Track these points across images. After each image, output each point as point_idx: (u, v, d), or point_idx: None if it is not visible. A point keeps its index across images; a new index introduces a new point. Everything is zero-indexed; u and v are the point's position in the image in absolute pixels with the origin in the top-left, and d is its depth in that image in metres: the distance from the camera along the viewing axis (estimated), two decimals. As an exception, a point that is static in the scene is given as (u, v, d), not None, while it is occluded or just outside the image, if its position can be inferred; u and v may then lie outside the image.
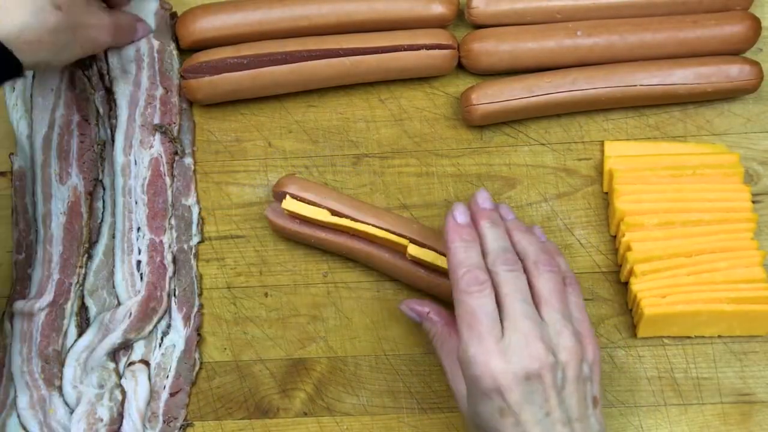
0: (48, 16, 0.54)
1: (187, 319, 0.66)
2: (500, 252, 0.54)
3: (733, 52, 0.67)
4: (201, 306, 0.67)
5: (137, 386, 0.64)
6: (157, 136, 0.67)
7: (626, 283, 0.65)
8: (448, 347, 0.57)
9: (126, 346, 0.65)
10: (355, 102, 0.70)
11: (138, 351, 0.66)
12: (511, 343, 0.50)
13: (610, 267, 0.66)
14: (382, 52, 0.66)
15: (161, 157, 0.67)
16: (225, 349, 0.66)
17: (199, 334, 0.66)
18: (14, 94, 0.69)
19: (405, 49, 0.66)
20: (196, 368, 0.66)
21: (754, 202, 0.65)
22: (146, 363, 0.65)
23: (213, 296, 0.67)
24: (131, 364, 0.65)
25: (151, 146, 0.67)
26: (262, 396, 0.65)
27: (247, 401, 0.66)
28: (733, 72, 0.66)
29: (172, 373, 0.65)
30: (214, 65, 0.66)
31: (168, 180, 0.67)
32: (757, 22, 0.67)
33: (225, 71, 0.66)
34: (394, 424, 0.64)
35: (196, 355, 0.66)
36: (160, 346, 0.66)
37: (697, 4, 0.67)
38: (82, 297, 0.67)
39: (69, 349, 0.65)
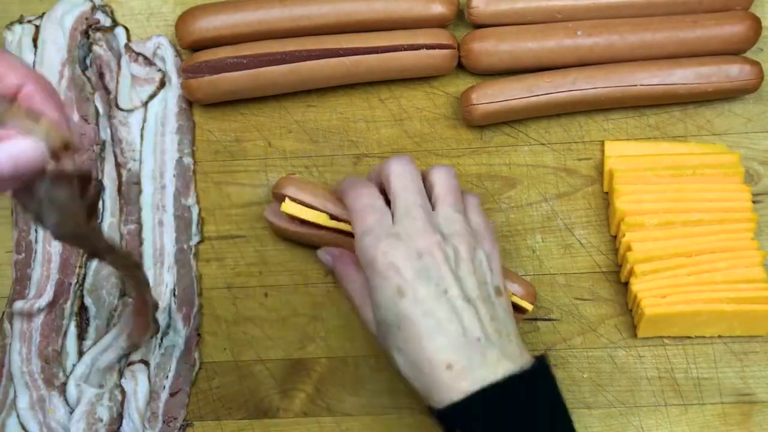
0: None
1: (187, 319, 0.66)
2: (391, 158, 0.57)
3: (734, 51, 0.67)
4: (201, 306, 0.67)
5: (137, 386, 0.64)
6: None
7: (626, 283, 0.64)
8: (354, 280, 0.58)
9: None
10: (355, 102, 0.70)
11: (138, 351, 0.65)
12: (401, 228, 0.53)
13: (610, 267, 0.66)
14: (381, 51, 0.66)
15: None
16: (225, 349, 0.66)
17: (198, 334, 0.66)
18: (14, 94, 0.69)
19: (405, 49, 0.66)
20: (196, 368, 0.66)
21: (754, 202, 0.65)
22: (146, 363, 0.65)
23: (213, 296, 0.67)
24: (131, 364, 0.65)
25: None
26: (262, 396, 0.65)
27: (247, 401, 0.65)
28: (733, 72, 0.66)
29: (171, 373, 0.65)
30: (214, 65, 0.66)
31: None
32: (757, 22, 0.67)
33: (225, 71, 0.66)
34: (394, 424, 0.64)
35: (196, 355, 0.66)
36: (159, 346, 0.66)
37: (698, 4, 0.67)
38: (82, 297, 0.67)
39: (90, 347, 0.65)
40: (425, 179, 0.57)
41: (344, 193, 0.57)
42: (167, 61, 0.69)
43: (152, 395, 0.64)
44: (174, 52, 0.70)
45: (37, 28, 0.70)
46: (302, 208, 0.62)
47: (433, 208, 0.55)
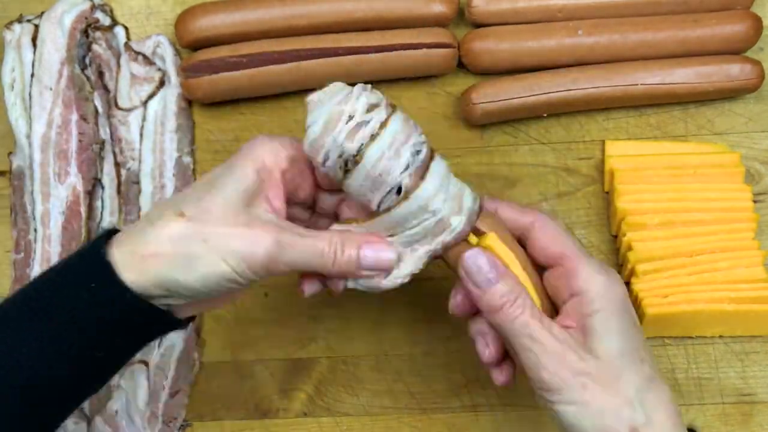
0: (172, 225, 0.46)
1: None
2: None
3: (734, 51, 0.67)
4: None
5: (136, 387, 0.64)
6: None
7: (627, 283, 0.64)
8: None
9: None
10: (355, 101, 0.70)
11: None
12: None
13: (611, 267, 0.66)
14: (382, 51, 0.66)
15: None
16: (225, 349, 0.66)
17: (198, 335, 0.66)
18: (13, 92, 0.69)
19: (405, 48, 0.66)
20: (196, 368, 0.65)
21: (755, 201, 0.65)
22: (145, 363, 0.65)
23: (212, 296, 0.67)
24: (130, 364, 0.65)
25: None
26: (262, 396, 0.65)
27: (247, 401, 0.65)
28: (734, 71, 0.66)
29: (171, 374, 0.65)
30: (213, 64, 0.66)
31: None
32: (758, 21, 0.67)
33: (224, 70, 0.66)
34: (394, 424, 0.64)
35: (196, 356, 0.65)
36: (159, 346, 0.65)
37: (698, 4, 0.67)
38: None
39: None
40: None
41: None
42: (167, 60, 0.69)
43: (152, 395, 0.64)
44: (173, 51, 0.70)
45: (37, 27, 0.70)
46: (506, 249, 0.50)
47: None
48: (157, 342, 0.65)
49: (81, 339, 0.45)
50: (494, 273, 0.47)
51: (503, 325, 0.46)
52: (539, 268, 0.50)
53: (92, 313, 0.45)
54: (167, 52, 0.70)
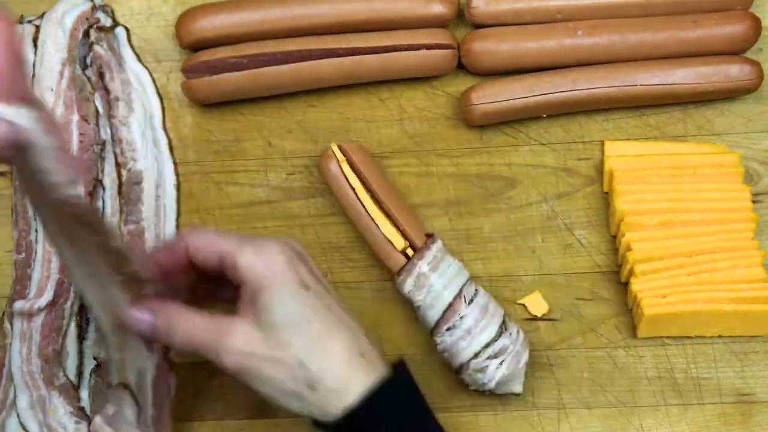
0: None
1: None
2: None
3: (734, 51, 0.67)
4: None
5: (123, 407, 0.63)
6: None
7: (626, 283, 0.64)
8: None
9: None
10: (355, 102, 0.70)
11: (112, 372, 0.63)
12: None
13: (610, 267, 0.66)
14: (382, 51, 0.66)
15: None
16: (225, 349, 0.66)
17: (167, 361, 0.63)
18: (14, 93, 0.69)
19: (405, 49, 0.66)
20: (173, 389, 0.64)
21: (754, 201, 0.65)
22: (125, 386, 0.63)
23: (213, 296, 0.67)
24: (110, 387, 0.62)
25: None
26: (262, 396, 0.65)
27: (247, 401, 0.65)
28: (733, 72, 0.66)
29: (150, 395, 0.64)
30: (214, 65, 0.66)
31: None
32: (757, 22, 0.67)
33: (225, 71, 0.66)
34: (394, 424, 0.64)
35: (172, 382, 0.63)
36: (132, 370, 0.65)
37: (698, 4, 0.67)
38: (82, 297, 0.66)
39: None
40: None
41: None
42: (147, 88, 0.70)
43: (140, 413, 0.63)
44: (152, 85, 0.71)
45: (37, 27, 0.70)
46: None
47: None
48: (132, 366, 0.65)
49: None
50: (147, 327, 0.53)
51: (198, 350, 0.52)
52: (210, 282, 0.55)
53: None
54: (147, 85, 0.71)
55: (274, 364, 0.50)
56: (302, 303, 0.50)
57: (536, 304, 0.65)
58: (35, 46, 0.69)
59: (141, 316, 0.53)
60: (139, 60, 0.71)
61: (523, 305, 0.65)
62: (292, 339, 0.50)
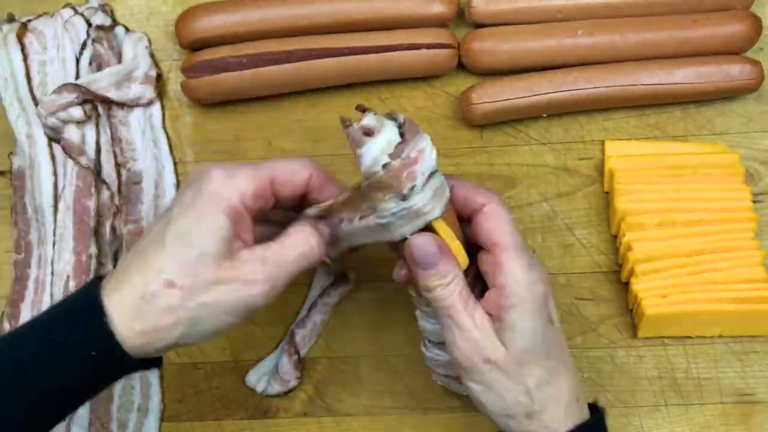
0: (162, 297, 0.46)
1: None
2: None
3: (734, 51, 0.67)
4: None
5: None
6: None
7: (627, 283, 0.64)
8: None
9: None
10: (355, 102, 0.70)
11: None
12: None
13: (610, 267, 0.66)
14: (382, 51, 0.66)
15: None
16: (225, 349, 0.66)
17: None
18: (8, 93, 0.69)
19: (405, 49, 0.66)
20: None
21: (754, 201, 0.65)
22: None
23: (213, 296, 0.67)
24: None
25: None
26: (262, 396, 0.65)
27: (247, 401, 0.65)
28: (734, 71, 0.66)
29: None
30: (214, 64, 0.66)
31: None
32: (758, 22, 0.67)
33: (225, 70, 0.66)
34: (394, 424, 0.64)
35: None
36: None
37: (698, 4, 0.67)
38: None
39: None
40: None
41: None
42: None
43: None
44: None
45: (24, 25, 0.70)
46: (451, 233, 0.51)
47: None
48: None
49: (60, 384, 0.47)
50: (436, 258, 0.49)
51: (433, 303, 0.50)
52: (476, 247, 0.53)
53: (89, 381, 0.48)
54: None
55: (507, 383, 0.50)
56: (547, 338, 0.50)
57: None
58: (21, 43, 0.69)
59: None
60: (139, 59, 0.71)
61: None
62: (530, 368, 0.50)
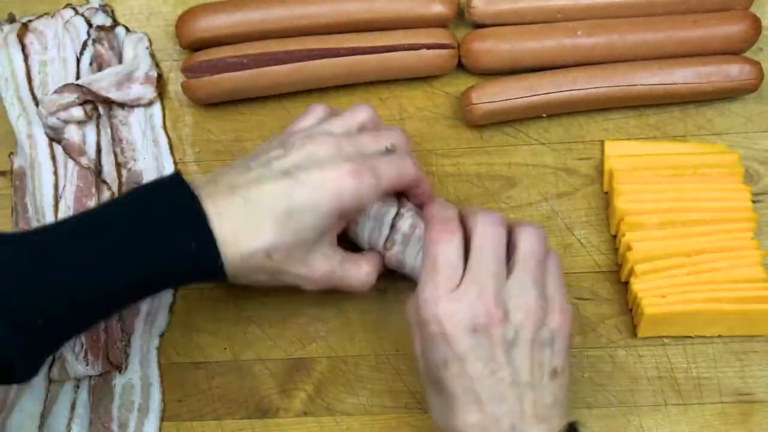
0: (256, 261, 0.52)
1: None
2: (482, 210, 0.55)
3: (734, 51, 0.67)
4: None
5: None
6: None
7: (626, 283, 0.65)
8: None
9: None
10: (355, 102, 0.70)
11: None
12: (464, 293, 0.51)
13: (610, 267, 0.66)
14: (382, 51, 0.66)
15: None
16: (225, 349, 0.66)
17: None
18: (9, 93, 0.69)
19: (405, 49, 0.66)
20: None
21: (754, 201, 0.65)
22: None
23: (213, 295, 0.67)
24: None
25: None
26: (262, 396, 0.65)
27: (247, 401, 0.66)
28: (733, 71, 0.66)
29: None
30: (214, 65, 0.66)
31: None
32: (757, 22, 0.67)
33: (225, 71, 0.66)
34: (394, 424, 0.64)
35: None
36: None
37: (698, 4, 0.67)
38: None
39: None
40: (510, 233, 0.54)
41: (430, 222, 0.55)
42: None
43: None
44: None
45: (24, 25, 0.70)
46: None
47: (510, 271, 0.52)
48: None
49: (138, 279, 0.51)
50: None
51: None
52: None
53: (177, 275, 0.52)
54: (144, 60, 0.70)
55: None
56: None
57: None
58: (21, 43, 0.69)
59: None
60: (139, 60, 0.71)
61: None
62: None
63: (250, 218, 0.51)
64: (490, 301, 0.50)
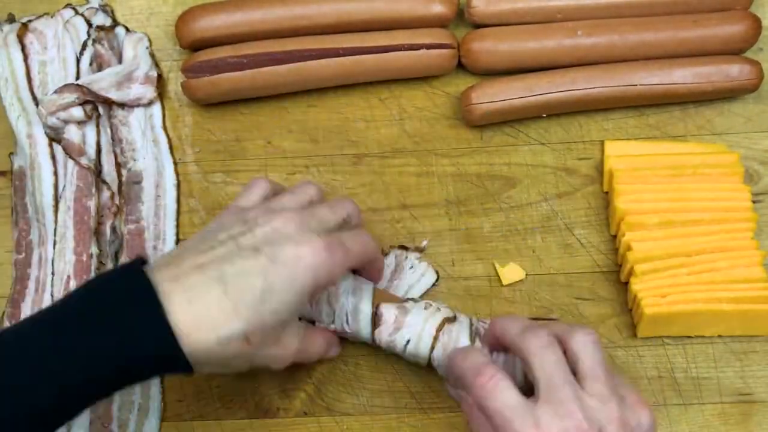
0: (234, 346, 0.49)
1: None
2: (529, 331, 0.51)
3: (734, 51, 0.67)
4: None
5: None
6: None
7: (626, 283, 0.64)
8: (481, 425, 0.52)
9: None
10: (355, 102, 0.70)
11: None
12: (545, 411, 0.47)
13: (610, 267, 0.66)
14: (382, 51, 0.66)
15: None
16: (225, 348, 0.66)
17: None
18: (9, 93, 0.69)
19: (405, 49, 0.66)
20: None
21: (754, 201, 0.65)
22: None
23: (213, 296, 0.67)
24: None
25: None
26: (262, 396, 0.65)
27: (247, 401, 0.65)
28: (733, 71, 0.66)
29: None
30: (214, 65, 0.66)
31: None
32: (757, 22, 0.67)
33: (225, 71, 0.66)
34: (394, 424, 0.64)
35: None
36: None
37: (698, 4, 0.67)
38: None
39: None
40: (562, 344, 0.51)
41: (464, 376, 0.52)
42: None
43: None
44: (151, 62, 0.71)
45: (24, 25, 0.70)
46: None
47: (582, 386, 0.49)
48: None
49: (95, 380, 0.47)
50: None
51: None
52: None
53: (137, 368, 0.49)
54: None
55: None
56: None
57: (512, 272, 0.66)
58: (21, 43, 0.69)
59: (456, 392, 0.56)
60: (139, 60, 0.71)
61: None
62: None
63: (225, 299, 0.48)
64: (578, 413, 0.47)
